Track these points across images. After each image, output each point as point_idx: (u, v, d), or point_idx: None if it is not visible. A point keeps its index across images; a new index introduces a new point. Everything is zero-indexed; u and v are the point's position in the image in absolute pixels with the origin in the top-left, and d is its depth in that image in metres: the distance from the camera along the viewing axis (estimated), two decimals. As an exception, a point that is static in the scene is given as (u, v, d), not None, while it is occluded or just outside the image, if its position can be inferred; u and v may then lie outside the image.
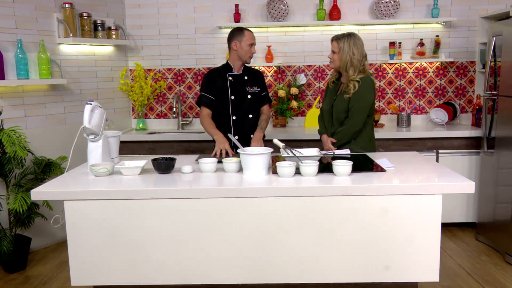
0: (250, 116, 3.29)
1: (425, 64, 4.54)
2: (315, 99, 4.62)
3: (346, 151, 2.93)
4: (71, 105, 4.13)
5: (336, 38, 3.04)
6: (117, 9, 4.48)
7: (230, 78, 3.25)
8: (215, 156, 2.94)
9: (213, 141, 3.41)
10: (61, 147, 3.94)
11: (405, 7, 4.45)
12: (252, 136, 3.25)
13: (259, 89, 3.32)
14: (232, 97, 3.24)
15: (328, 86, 3.26)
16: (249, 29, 3.22)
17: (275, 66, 4.57)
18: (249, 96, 3.27)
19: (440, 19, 4.34)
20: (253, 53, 3.22)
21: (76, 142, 2.60)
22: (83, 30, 4.06)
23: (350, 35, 3.03)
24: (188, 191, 2.22)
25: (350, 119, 3.01)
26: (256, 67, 4.56)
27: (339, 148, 3.04)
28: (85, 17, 4.05)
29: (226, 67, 3.29)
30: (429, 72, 4.56)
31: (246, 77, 3.29)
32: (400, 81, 4.58)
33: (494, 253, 3.67)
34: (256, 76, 3.35)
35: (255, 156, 2.37)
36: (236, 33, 3.18)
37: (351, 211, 2.23)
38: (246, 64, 3.30)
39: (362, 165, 2.59)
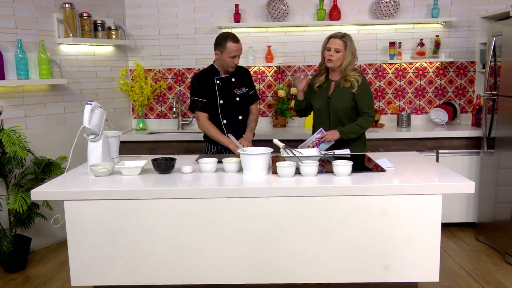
0: (240, 117, 3.28)
1: (425, 64, 4.54)
2: (315, 99, 4.62)
3: (346, 151, 2.93)
4: (71, 105, 4.13)
5: (341, 37, 3.02)
6: (117, 9, 4.48)
7: (218, 82, 3.20)
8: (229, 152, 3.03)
9: (205, 143, 3.40)
10: (61, 147, 3.94)
11: (405, 7, 4.45)
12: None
13: (247, 89, 3.30)
14: (221, 101, 3.21)
15: (311, 84, 3.20)
16: (235, 38, 3.07)
17: (275, 66, 4.57)
18: (237, 99, 3.24)
19: (440, 19, 4.34)
20: (236, 64, 3.14)
21: (76, 142, 2.60)
22: (83, 30, 4.06)
23: (347, 34, 3.06)
24: (188, 191, 2.22)
25: (368, 116, 3.05)
26: (256, 68, 4.57)
27: (339, 147, 3.03)
28: (85, 17, 4.05)
29: (212, 70, 3.23)
30: (429, 72, 4.56)
31: (233, 79, 3.24)
32: (400, 81, 4.58)
33: (494, 253, 3.67)
34: (243, 75, 3.30)
35: (255, 156, 2.37)
36: (219, 43, 3.09)
37: (351, 211, 2.23)
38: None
39: (362, 165, 2.59)
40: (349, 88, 3.04)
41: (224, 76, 3.22)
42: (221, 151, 3.31)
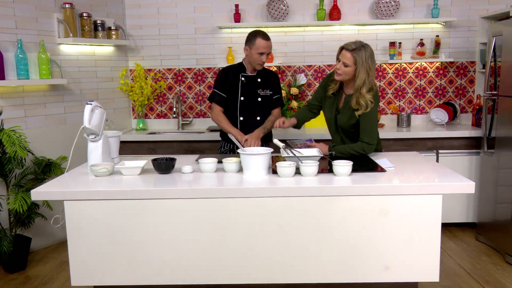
0: (258, 118, 3.28)
1: (425, 64, 4.54)
2: (315, 99, 4.62)
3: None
4: (71, 105, 4.13)
5: (352, 50, 2.64)
6: (117, 9, 4.48)
7: (242, 79, 3.24)
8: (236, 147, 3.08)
9: (220, 141, 3.42)
10: (61, 147, 3.94)
11: (405, 7, 4.45)
12: None
13: (271, 92, 3.29)
14: (242, 98, 3.23)
15: (324, 88, 2.97)
16: (265, 35, 3.09)
17: (275, 66, 4.57)
18: (259, 99, 3.25)
19: (440, 19, 4.34)
20: (263, 61, 3.14)
21: (76, 142, 2.60)
22: (83, 30, 4.06)
23: (365, 47, 2.65)
24: (188, 191, 2.22)
25: (366, 144, 2.76)
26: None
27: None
28: (85, 17, 4.05)
29: (241, 66, 3.27)
30: (429, 72, 4.56)
31: (259, 80, 3.26)
32: (400, 81, 4.58)
33: (494, 253, 3.67)
34: (270, 78, 3.31)
35: (255, 156, 2.37)
36: (249, 38, 3.14)
37: (351, 211, 2.23)
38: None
39: (362, 165, 2.59)
40: (356, 110, 2.76)
41: (251, 74, 3.25)
42: (233, 150, 3.33)
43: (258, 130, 3.17)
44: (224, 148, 3.38)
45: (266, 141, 3.27)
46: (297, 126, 3.13)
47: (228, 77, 3.24)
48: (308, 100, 3.16)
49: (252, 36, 3.12)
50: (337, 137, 2.97)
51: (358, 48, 2.65)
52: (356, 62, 2.65)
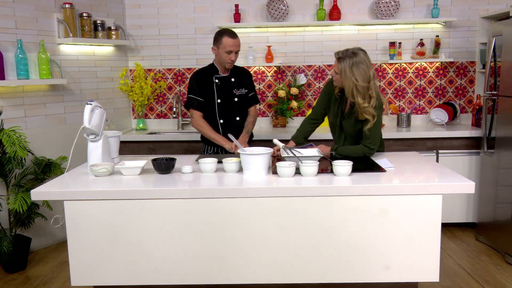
0: (238, 118, 3.25)
1: (425, 64, 4.54)
2: (315, 99, 4.62)
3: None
4: (71, 105, 4.13)
5: (338, 57, 2.66)
6: (117, 9, 4.48)
7: (217, 81, 3.18)
8: (227, 151, 3.05)
9: (203, 145, 3.39)
10: (61, 147, 3.94)
11: (405, 7, 4.45)
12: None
13: (246, 91, 3.26)
14: (219, 101, 3.18)
15: (328, 90, 2.94)
16: (232, 33, 3.04)
17: (275, 66, 4.57)
18: (236, 99, 3.21)
19: (440, 19, 4.34)
20: (232, 60, 3.08)
21: (76, 142, 2.60)
22: (83, 30, 4.06)
23: (352, 56, 2.61)
24: (188, 191, 2.22)
25: (367, 148, 2.74)
26: (256, 68, 4.57)
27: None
28: (85, 17, 4.05)
29: (212, 68, 3.21)
30: (429, 72, 4.56)
31: (233, 79, 3.21)
32: (400, 81, 4.58)
33: (494, 253, 3.67)
34: (244, 76, 3.27)
35: (255, 156, 2.37)
36: (216, 38, 3.08)
37: (351, 211, 2.23)
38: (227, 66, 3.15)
39: (362, 165, 2.59)
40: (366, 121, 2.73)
41: (224, 75, 3.20)
42: (217, 153, 3.29)
43: (242, 135, 3.16)
44: (208, 152, 3.33)
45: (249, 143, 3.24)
46: (299, 143, 3.07)
47: (202, 80, 3.17)
48: (312, 109, 3.11)
49: (219, 35, 3.06)
50: (341, 142, 2.94)
51: (343, 56, 2.63)
52: (341, 70, 2.64)
